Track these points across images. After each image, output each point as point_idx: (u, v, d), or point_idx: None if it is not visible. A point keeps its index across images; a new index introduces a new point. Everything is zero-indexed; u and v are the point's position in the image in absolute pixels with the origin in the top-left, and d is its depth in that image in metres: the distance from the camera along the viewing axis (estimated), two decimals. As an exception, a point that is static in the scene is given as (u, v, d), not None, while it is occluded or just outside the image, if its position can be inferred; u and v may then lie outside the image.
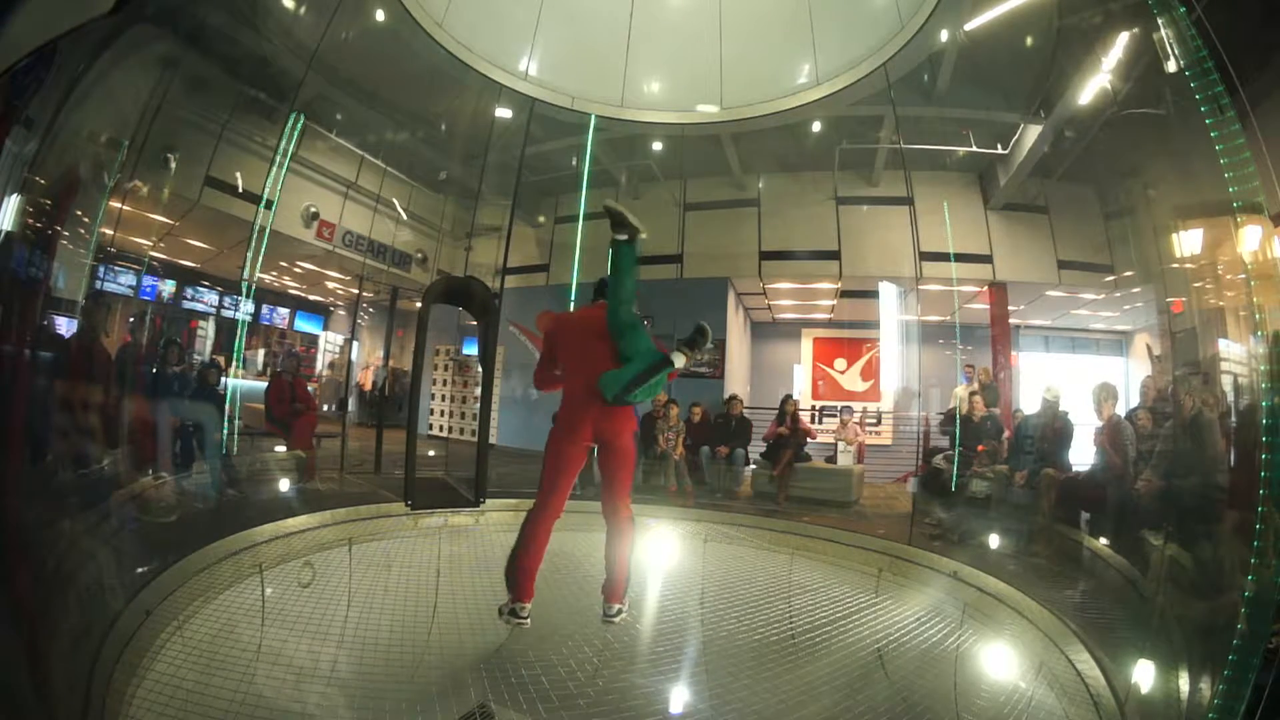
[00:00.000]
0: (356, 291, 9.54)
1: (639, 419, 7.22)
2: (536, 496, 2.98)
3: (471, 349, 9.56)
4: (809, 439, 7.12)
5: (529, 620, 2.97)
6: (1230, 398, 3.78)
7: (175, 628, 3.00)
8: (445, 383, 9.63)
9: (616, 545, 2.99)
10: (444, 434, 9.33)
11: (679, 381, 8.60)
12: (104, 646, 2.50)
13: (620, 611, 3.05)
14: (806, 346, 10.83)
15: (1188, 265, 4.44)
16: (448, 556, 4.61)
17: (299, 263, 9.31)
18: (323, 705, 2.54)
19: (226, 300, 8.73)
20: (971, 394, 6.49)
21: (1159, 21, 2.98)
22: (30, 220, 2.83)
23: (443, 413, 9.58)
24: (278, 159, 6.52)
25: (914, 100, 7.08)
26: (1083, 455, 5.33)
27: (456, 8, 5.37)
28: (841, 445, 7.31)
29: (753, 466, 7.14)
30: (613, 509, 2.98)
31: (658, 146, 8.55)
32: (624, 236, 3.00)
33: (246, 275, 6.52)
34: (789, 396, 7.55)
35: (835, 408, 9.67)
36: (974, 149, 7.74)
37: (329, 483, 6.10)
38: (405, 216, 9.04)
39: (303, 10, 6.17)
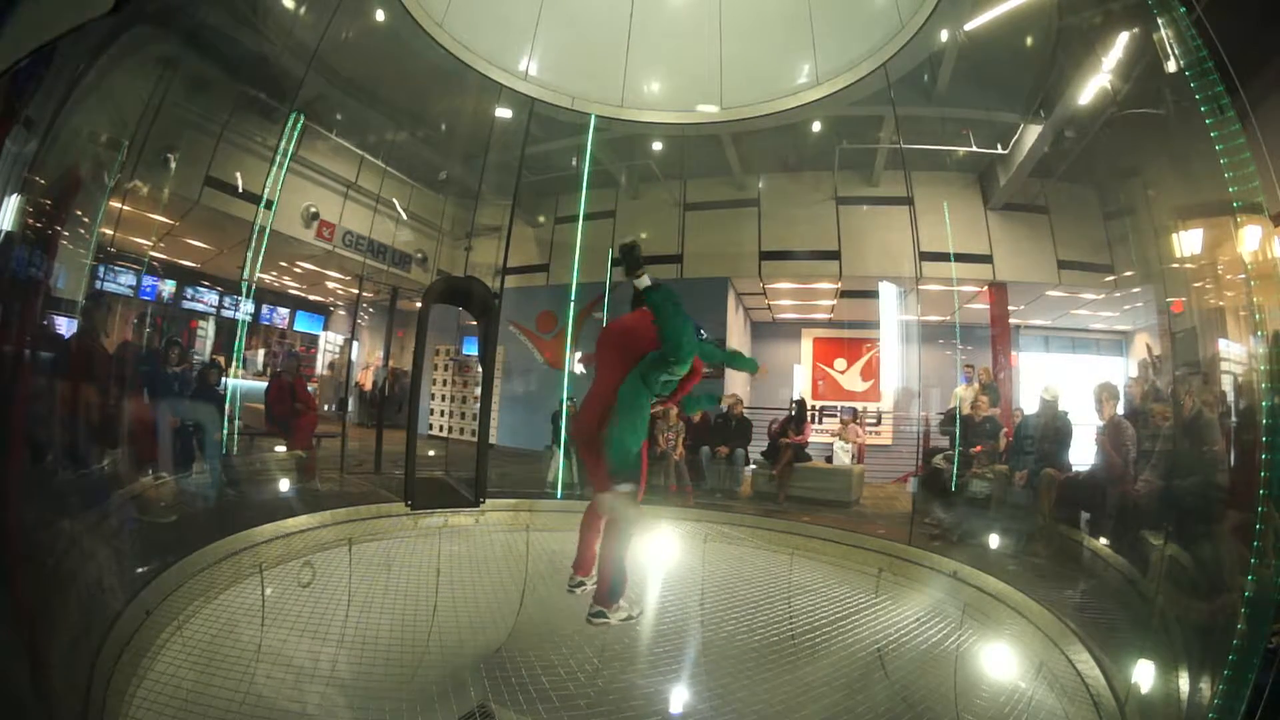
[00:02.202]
0: (356, 291, 9.54)
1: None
2: None
3: (471, 349, 9.57)
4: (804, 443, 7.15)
5: (578, 591, 3.01)
6: (1230, 398, 3.78)
7: (175, 628, 3.00)
8: (445, 383, 9.64)
9: (603, 546, 2.96)
10: (444, 434, 9.34)
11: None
12: (104, 646, 2.50)
13: (601, 615, 2.91)
14: (806, 346, 10.82)
15: (1188, 265, 4.44)
16: (448, 556, 4.61)
17: (299, 263, 9.31)
18: (323, 705, 2.55)
19: (226, 300, 8.73)
20: (978, 394, 6.49)
21: (1159, 21, 2.99)
22: (30, 220, 2.83)
23: (443, 413, 9.59)
24: (278, 159, 6.52)
25: (914, 100, 7.08)
26: (1082, 455, 5.32)
27: (456, 8, 5.37)
28: (838, 443, 7.31)
29: (753, 466, 7.14)
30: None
31: (658, 146, 8.54)
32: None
33: (246, 275, 6.52)
34: (801, 401, 7.58)
35: (836, 408, 9.69)
36: (974, 149, 7.74)
37: (329, 483, 6.10)
38: (405, 216, 9.03)
39: (303, 10, 6.17)
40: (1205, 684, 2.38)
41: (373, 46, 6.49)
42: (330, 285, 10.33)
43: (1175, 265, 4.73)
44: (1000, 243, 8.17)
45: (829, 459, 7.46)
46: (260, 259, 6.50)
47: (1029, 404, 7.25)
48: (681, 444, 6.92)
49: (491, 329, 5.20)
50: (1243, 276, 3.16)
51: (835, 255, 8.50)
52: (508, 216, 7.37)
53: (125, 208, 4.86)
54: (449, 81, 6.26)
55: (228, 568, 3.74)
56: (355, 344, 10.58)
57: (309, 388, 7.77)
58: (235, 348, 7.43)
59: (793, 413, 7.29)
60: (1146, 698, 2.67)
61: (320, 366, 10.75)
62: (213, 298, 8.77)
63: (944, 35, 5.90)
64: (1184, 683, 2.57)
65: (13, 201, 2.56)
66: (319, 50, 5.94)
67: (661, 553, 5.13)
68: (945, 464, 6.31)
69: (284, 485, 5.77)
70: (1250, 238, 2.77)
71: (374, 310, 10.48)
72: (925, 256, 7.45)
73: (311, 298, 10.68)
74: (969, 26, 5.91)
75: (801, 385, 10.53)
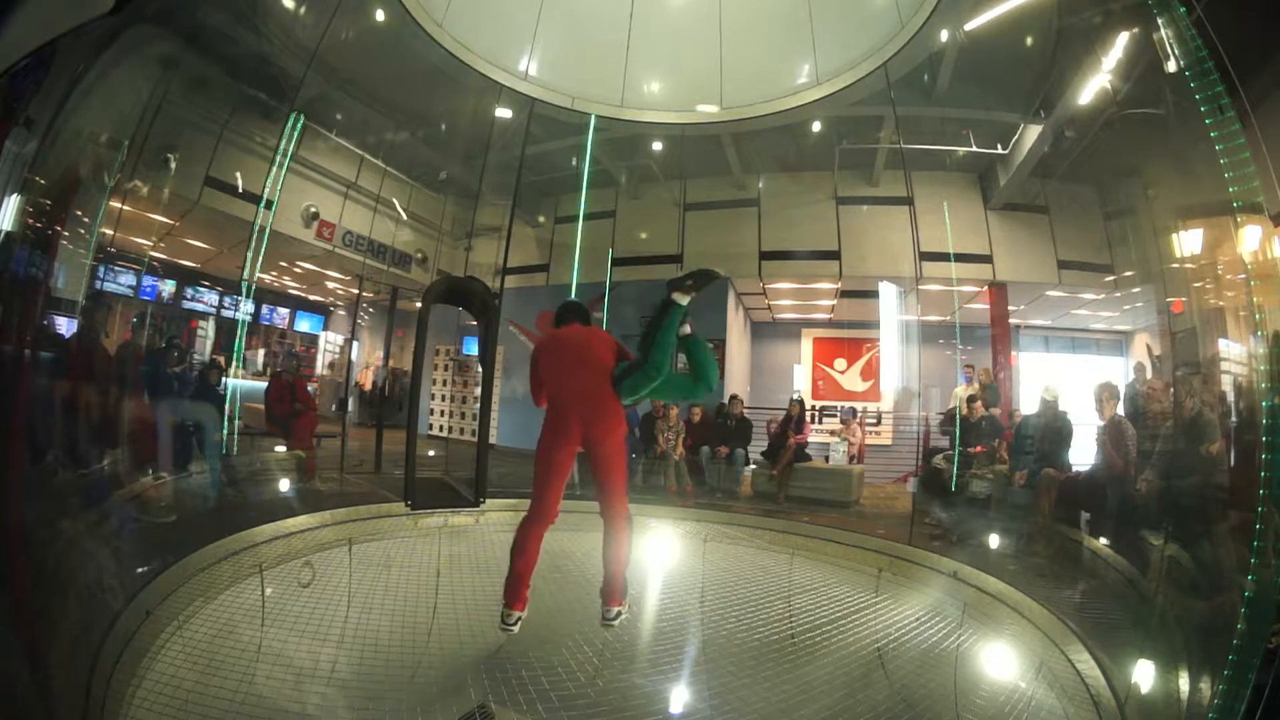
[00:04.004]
0: (356, 291, 9.54)
1: (638, 420, 7.22)
2: (530, 504, 3.04)
3: (472, 349, 9.57)
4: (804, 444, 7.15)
5: (516, 628, 3.01)
6: (1230, 398, 3.79)
7: (175, 628, 3.00)
8: (445, 383, 9.64)
9: (612, 547, 3.00)
10: (444, 434, 9.34)
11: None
12: (104, 646, 2.50)
13: (619, 614, 3.06)
14: (806, 346, 10.83)
15: (1188, 265, 4.44)
16: (448, 556, 4.61)
17: (299, 263, 9.31)
18: (323, 705, 2.55)
19: (226, 300, 8.73)
20: (970, 398, 6.48)
21: (1159, 21, 2.99)
22: (30, 220, 2.83)
23: (443, 413, 9.60)
24: (278, 159, 6.52)
25: (914, 100, 7.08)
26: (1082, 455, 5.33)
27: (456, 8, 5.36)
28: (834, 441, 7.31)
29: (753, 466, 7.14)
30: (608, 510, 3.00)
31: (658, 146, 8.54)
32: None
33: (246, 275, 6.52)
34: (800, 400, 7.58)
35: (836, 408, 9.69)
36: (974, 149, 7.74)
37: (329, 483, 6.10)
38: (405, 216, 9.03)
39: (303, 10, 6.17)
40: (1205, 684, 2.38)
41: (373, 47, 6.49)
42: (330, 285, 10.33)
43: (1175, 265, 4.73)
44: (1000, 243, 8.17)
45: (827, 458, 7.47)
46: (260, 259, 6.50)
47: (1029, 404, 7.26)
48: (681, 444, 6.92)
49: (491, 329, 5.19)
50: (1243, 276, 3.16)
51: (835, 255, 8.50)
52: (508, 216, 7.37)
53: (125, 208, 4.86)
54: (449, 81, 6.25)
55: (228, 568, 3.74)
56: (355, 344, 10.58)
57: (309, 388, 7.76)
58: (235, 348, 7.43)
59: (793, 413, 7.29)
60: (1146, 698, 2.67)
61: (320, 366, 10.75)
62: (213, 298, 8.77)
63: (944, 35, 5.90)
64: (1184, 683, 2.57)
65: (13, 201, 2.56)
66: (319, 50, 5.93)
67: (661, 553, 5.13)
68: (945, 464, 6.31)
69: (284, 485, 5.77)
70: (1250, 238, 2.77)
71: (374, 310, 10.48)
72: (925, 256, 7.45)
73: (311, 298, 10.68)
74: (969, 26, 5.91)
75: (801, 385, 10.54)
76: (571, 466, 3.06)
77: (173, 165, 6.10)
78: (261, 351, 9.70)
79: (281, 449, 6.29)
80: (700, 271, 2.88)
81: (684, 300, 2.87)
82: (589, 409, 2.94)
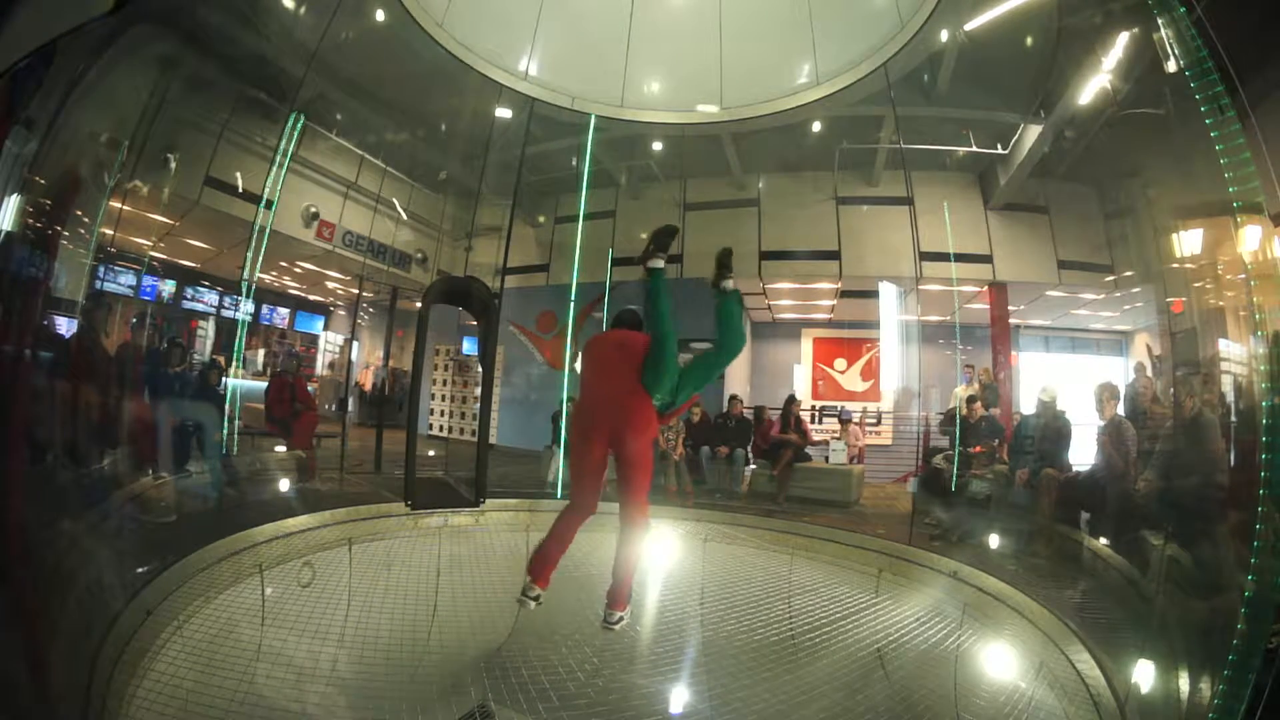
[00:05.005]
0: (356, 291, 9.54)
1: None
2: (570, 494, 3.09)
3: (471, 349, 9.58)
4: (807, 444, 7.14)
5: (534, 603, 2.95)
6: (1230, 398, 3.78)
7: (175, 628, 3.00)
8: (445, 383, 9.64)
9: (622, 550, 2.97)
10: (444, 434, 9.34)
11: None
12: (104, 646, 2.51)
13: (621, 619, 3.00)
14: (806, 346, 10.83)
15: (1188, 265, 4.44)
16: (448, 556, 4.61)
17: (299, 263, 9.31)
18: (323, 705, 2.55)
19: (226, 300, 8.73)
20: (970, 398, 6.48)
21: (1159, 21, 2.98)
22: (30, 220, 2.83)
23: (443, 413, 9.59)
24: (278, 159, 6.52)
25: (914, 100, 7.08)
26: (1082, 455, 5.32)
27: (456, 8, 5.37)
28: (833, 444, 7.30)
29: (753, 466, 7.14)
30: (625, 514, 2.97)
31: (658, 146, 8.54)
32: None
33: (246, 275, 6.52)
34: (793, 398, 7.56)
35: (835, 408, 9.68)
36: (974, 149, 7.74)
37: (329, 483, 6.10)
38: (405, 216, 9.04)
39: (303, 10, 6.17)
40: (1205, 684, 2.38)
41: (373, 47, 6.49)
42: (330, 285, 10.33)
43: (1175, 265, 4.73)
44: (1000, 243, 8.17)
45: (827, 458, 7.46)
46: (260, 259, 6.50)
47: (1029, 404, 7.25)
48: (681, 444, 6.92)
49: (491, 329, 5.20)
50: (1243, 276, 3.15)
51: (835, 255, 8.49)
52: (508, 216, 7.38)
53: (125, 208, 4.86)
54: (449, 81, 6.25)
55: (228, 568, 3.74)
56: (355, 344, 10.58)
57: (309, 388, 7.76)
58: (235, 348, 7.43)
59: (794, 411, 7.28)
60: (1146, 698, 2.67)
61: (320, 366, 10.74)
62: (213, 298, 8.77)
63: (944, 35, 5.90)
64: (1184, 683, 2.57)
65: (13, 201, 2.56)
66: (319, 50, 5.93)
67: (662, 553, 5.13)
68: (945, 464, 6.31)
69: (284, 485, 5.77)
70: (1250, 238, 2.76)
71: (374, 310, 10.48)
72: (925, 256, 7.45)
73: (311, 298, 10.68)
74: (969, 26, 5.91)
75: (801, 385, 10.54)
76: (605, 464, 3.02)
77: (173, 165, 6.09)
78: (261, 351, 9.70)
79: (281, 449, 6.29)
80: (656, 231, 2.84)
81: (658, 264, 2.85)
82: (616, 409, 2.91)
